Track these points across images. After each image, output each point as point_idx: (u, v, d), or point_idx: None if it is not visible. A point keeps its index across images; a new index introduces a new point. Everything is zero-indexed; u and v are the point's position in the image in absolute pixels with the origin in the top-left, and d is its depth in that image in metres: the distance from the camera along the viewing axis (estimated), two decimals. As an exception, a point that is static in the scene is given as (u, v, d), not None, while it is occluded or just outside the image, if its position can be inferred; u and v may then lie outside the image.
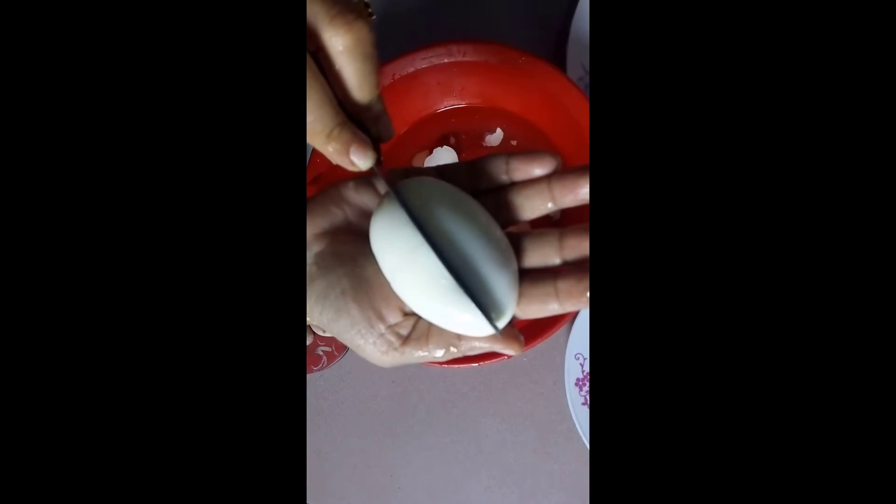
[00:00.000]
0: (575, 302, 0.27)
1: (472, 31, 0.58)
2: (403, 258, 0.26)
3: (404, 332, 0.28)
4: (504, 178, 0.29)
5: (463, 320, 0.26)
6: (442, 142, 0.57)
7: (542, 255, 0.28)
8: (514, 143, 0.56)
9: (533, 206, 0.29)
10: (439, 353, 0.28)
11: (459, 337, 0.27)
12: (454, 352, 0.27)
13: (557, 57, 0.57)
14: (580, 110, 0.50)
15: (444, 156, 0.57)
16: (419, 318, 0.28)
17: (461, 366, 0.53)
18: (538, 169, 0.29)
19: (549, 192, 0.28)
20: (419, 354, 0.28)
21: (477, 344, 0.27)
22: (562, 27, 0.57)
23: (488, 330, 0.27)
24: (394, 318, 0.28)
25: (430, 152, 0.57)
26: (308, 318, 0.28)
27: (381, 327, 0.27)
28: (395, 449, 0.58)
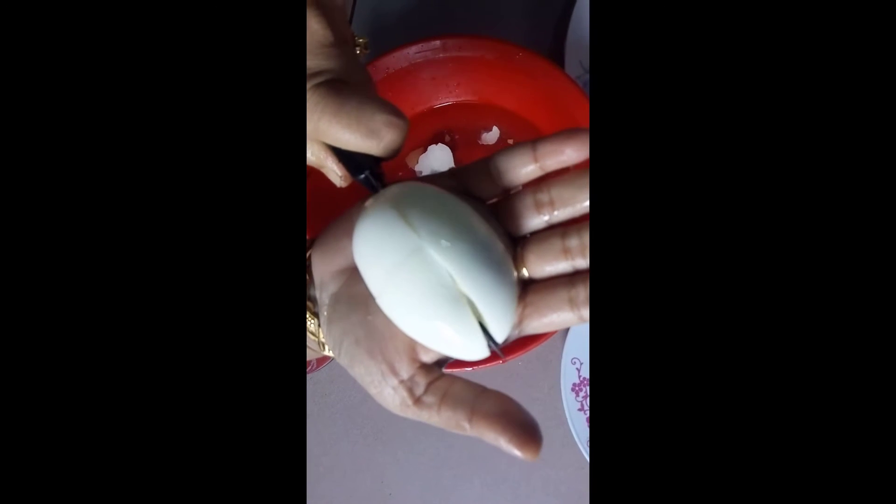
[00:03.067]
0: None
1: (469, 28, 0.57)
2: (392, 269, 0.25)
3: (417, 391, 0.26)
4: (532, 168, 0.28)
5: (453, 339, 0.25)
6: (437, 139, 0.56)
7: (546, 261, 0.27)
8: (510, 141, 0.55)
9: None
10: (449, 426, 0.26)
11: (471, 418, 0.25)
12: (467, 427, 0.25)
13: (555, 56, 0.56)
14: (579, 108, 0.49)
15: (439, 154, 0.56)
16: (435, 378, 0.27)
17: (454, 370, 0.52)
18: (570, 150, 0.27)
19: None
20: (428, 417, 0.26)
21: (491, 436, 0.25)
22: (560, 26, 0.56)
23: (481, 352, 0.25)
24: (406, 371, 0.26)
25: (425, 150, 0.56)
26: (334, 356, 0.27)
27: (394, 381, 0.26)
28: (385, 454, 0.57)
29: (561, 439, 0.55)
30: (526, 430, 0.25)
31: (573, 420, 0.52)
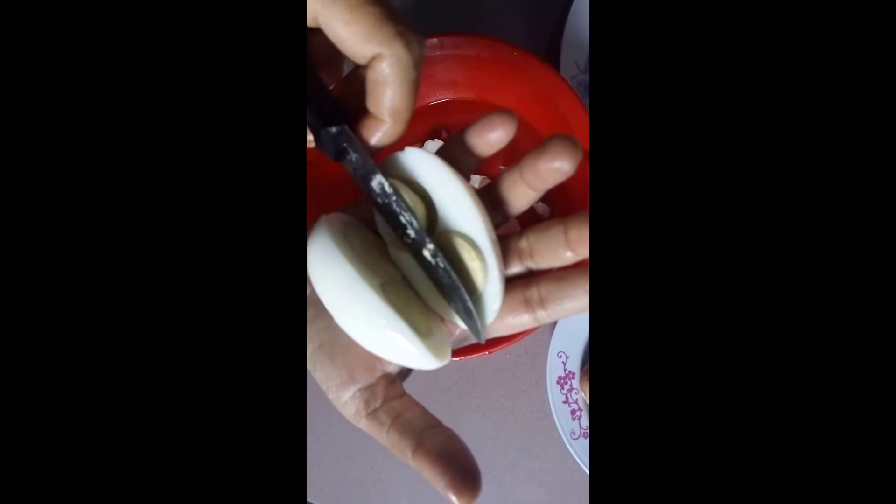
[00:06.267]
0: (556, 308, 0.25)
1: (466, 26, 0.58)
2: (337, 297, 0.25)
3: (374, 403, 0.26)
4: (470, 161, 0.27)
5: (402, 354, 0.25)
6: (433, 136, 0.57)
7: (553, 254, 0.26)
8: (504, 138, 0.56)
9: (517, 196, 0.26)
10: (393, 450, 0.26)
11: (415, 450, 0.25)
12: (409, 457, 0.25)
13: (551, 55, 0.57)
14: (570, 108, 0.50)
15: (436, 149, 0.57)
16: (395, 396, 0.26)
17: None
18: (494, 133, 0.25)
19: (522, 180, 0.26)
20: (377, 434, 0.26)
21: (430, 474, 0.25)
22: (557, 25, 0.57)
23: (430, 363, 0.25)
24: (365, 380, 0.26)
25: (421, 146, 0.57)
26: None
27: (352, 389, 0.26)
28: (375, 441, 0.58)
29: (545, 431, 0.56)
30: (464, 476, 0.24)
31: (558, 412, 0.54)
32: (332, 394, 0.26)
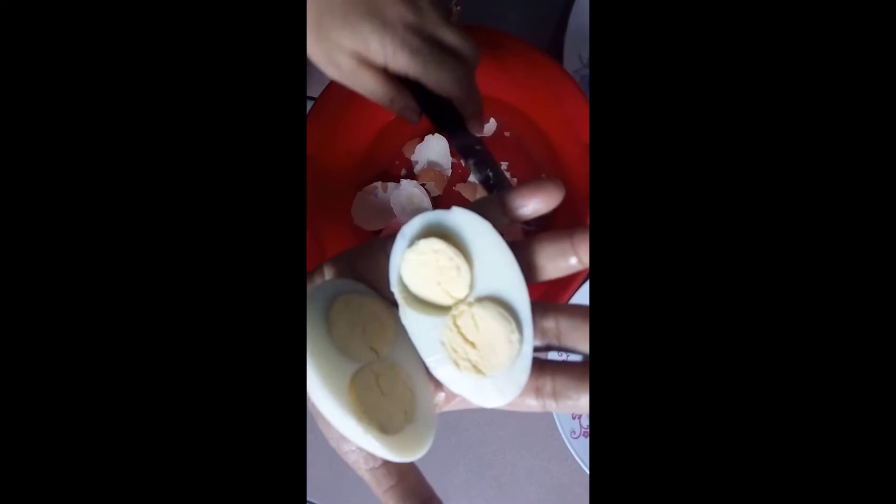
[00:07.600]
0: (571, 402, 0.25)
1: (468, 19, 0.58)
2: (313, 386, 0.24)
3: (372, 462, 0.26)
4: (503, 221, 0.26)
5: (369, 447, 0.24)
6: (434, 129, 0.56)
7: (585, 341, 0.25)
8: (507, 134, 0.55)
9: (556, 265, 0.26)
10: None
11: None
12: None
13: (554, 49, 0.56)
14: (574, 103, 0.49)
15: (436, 144, 0.56)
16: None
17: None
18: (538, 201, 0.26)
19: (572, 248, 0.25)
20: (376, 489, 0.26)
21: None
22: (560, 19, 0.57)
23: (401, 458, 0.25)
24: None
25: (422, 139, 0.56)
26: None
27: (352, 445, 0.26)
28: (373, 439, 0.58)
29: (545, 430, 0.56)
30: None
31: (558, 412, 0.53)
32: (334, 444, 0.26)
